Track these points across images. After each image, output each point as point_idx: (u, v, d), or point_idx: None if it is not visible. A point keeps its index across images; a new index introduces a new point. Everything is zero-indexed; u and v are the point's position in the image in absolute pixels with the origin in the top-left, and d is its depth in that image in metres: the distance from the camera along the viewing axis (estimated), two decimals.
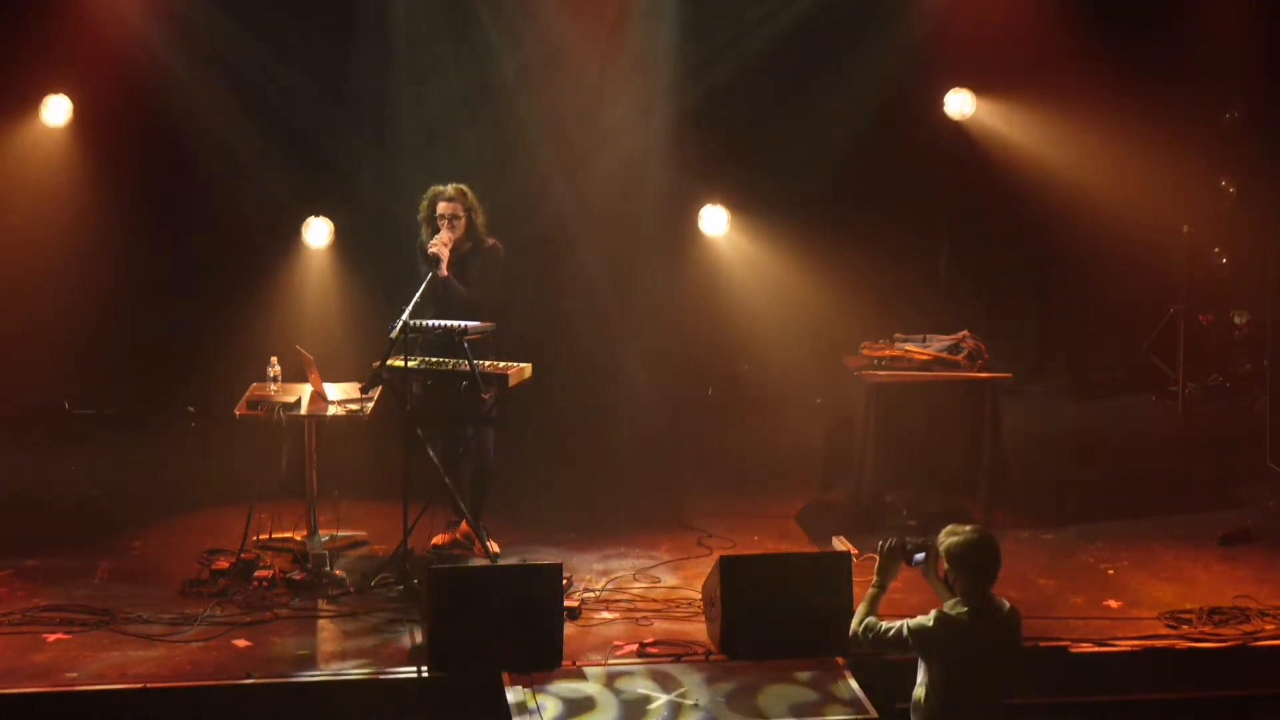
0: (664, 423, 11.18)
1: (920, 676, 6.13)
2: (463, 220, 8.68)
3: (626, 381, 11.41)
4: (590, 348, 11.40)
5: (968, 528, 6.15)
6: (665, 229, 11.65)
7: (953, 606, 6.07)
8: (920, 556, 6.30)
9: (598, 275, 11.50)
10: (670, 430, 11.11)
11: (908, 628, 6.05)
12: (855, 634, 6.22)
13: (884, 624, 6.14)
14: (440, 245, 8.55)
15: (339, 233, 11.42)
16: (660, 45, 11.43)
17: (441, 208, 8.68)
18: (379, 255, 10.77)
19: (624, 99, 11.47)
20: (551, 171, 11.46)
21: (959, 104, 11.78)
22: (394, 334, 8.14)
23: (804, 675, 7.08)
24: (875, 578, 6.32)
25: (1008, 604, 6.15)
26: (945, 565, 6.12)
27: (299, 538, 8.69)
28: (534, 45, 11.35)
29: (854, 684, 7.02)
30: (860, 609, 6.26)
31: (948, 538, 6.11)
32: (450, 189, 8.72)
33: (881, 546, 6.35)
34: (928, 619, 6.03)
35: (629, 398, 11.29)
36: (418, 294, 8.25)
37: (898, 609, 7.04)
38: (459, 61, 11.33)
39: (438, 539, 8.77)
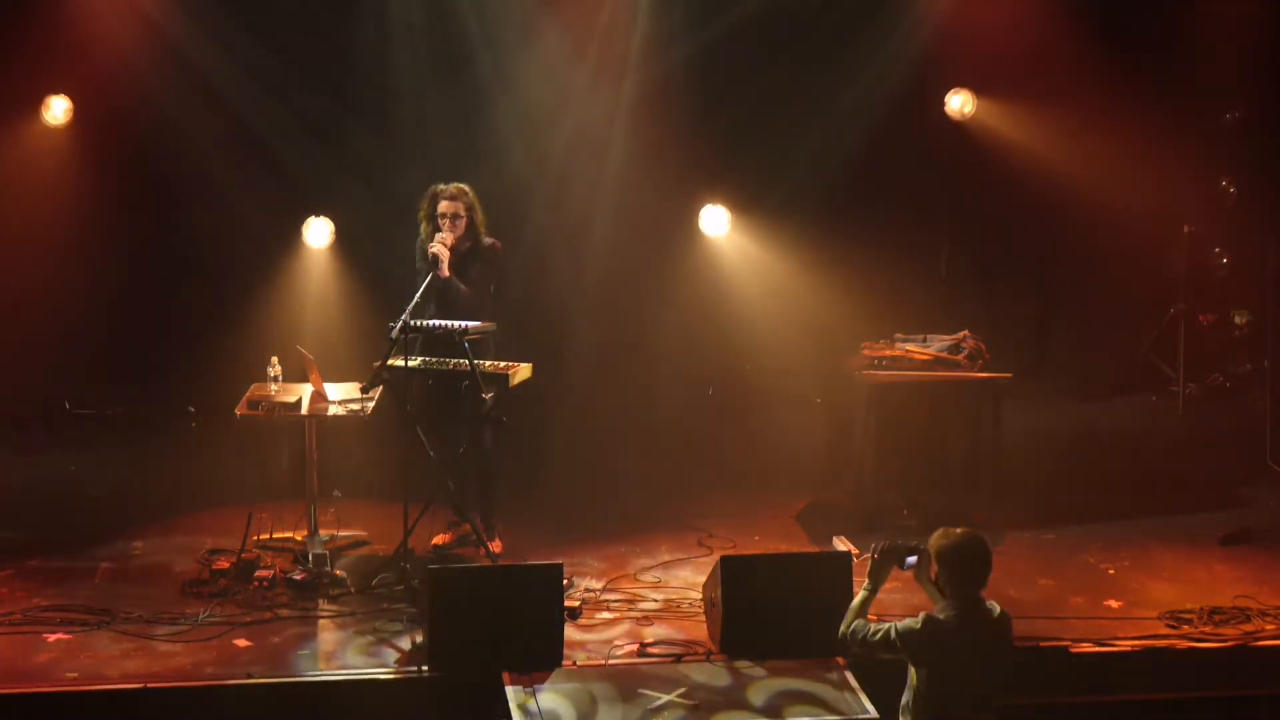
0: (664, 423, 11.17)
1: (909, 679, 6.12)
2: (464, 220, 8.68)
3: (626, 381, 11.39)
4: (591, 349, 11.39)
5: (958, 531, 6.13)
6: (666, 229, 11.64)
7: (942, 610, 6.05)
8: (913, 560, 6.29)
9: (600, 274, 11.49)
10: (671, 430, 11.09)
11: (896, 630, 6.03)
12: (844, 636, 6.21)
13: (872, 626, 6.13)
14: (440, 245, 8.54)
15: (339, 233, 11.41)
16: (653, 46, 11.43)
17: (442, 206, 8.66)
18: (379, 255, 10.76)
19: (622, 103, 11.48)
20: (554, 171, 11.47)
21: (960, 104, 11.79)
22: (394, 334, 8.14)
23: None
24: (867, 580, 6.31)
25: (999, 608, 6.12)
26: (936, 568, 6.11)
27: (299, 538, 8.69)
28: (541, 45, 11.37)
29: (854, 683, 7.02)
30: (850, 611, 6.25)
31: (938, 541, 6.10)
32: (451, 188, 8.71)
33: (874, 549, 6.34)
34: (916, 622, 6.01)
35: (628, 397, 11.27)
36: (418, 294, 8.26)
37: (897, 610, 7.05)
38: (460, 59, 11.32)
39: (438, 539, 8.77)
